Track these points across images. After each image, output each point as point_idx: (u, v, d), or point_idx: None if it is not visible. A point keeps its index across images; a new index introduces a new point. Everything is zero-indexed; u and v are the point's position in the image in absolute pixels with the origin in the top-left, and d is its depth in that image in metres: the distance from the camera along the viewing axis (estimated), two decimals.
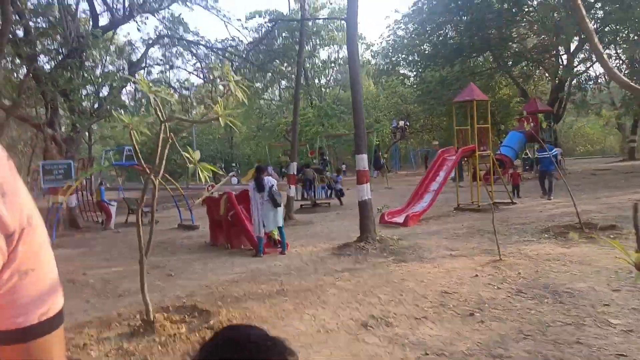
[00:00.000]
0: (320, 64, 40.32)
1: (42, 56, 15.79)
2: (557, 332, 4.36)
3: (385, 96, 40.54)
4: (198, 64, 21.54)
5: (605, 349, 3.94)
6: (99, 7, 16.80)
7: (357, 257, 8.14)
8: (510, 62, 27.55)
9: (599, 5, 21.64)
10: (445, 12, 25.35)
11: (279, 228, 9.03)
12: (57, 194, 13.34)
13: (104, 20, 17.09)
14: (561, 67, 25.35)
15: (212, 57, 21.55)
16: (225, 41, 22.11)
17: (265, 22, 30.01)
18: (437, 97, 28.58)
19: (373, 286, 6.28)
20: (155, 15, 18.64)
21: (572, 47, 24.71)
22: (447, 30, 27.44)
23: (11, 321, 0.72)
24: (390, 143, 35.06)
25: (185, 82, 22.30)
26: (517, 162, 19.69)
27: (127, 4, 16.55)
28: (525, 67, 29.17)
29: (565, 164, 22.96)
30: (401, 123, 31.91)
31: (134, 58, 20.37)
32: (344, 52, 39.41)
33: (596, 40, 3.27)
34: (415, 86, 32.71)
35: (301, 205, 16.67)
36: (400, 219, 11.90)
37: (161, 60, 21.39)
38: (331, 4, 36.49)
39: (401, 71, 32.92)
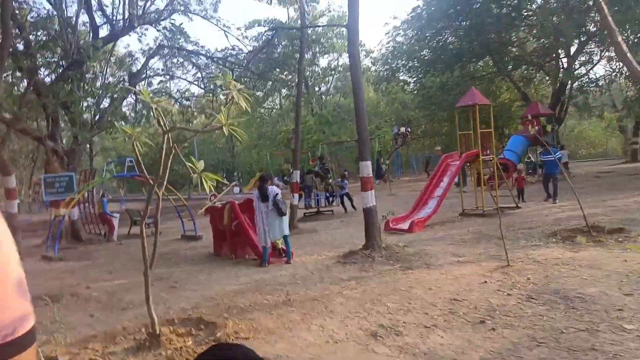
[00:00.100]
0: (320, 72, 40.41)
1: (42, 69, 15.80)
2: (571, 338, 4.27)
3: (386, 102, 40.58)
4: (198, 74, 21.56)
5: (621, 356, 3.86)
6: (98, 19, 16.84)
7: (363, 265, 8.06)
8: (511, 66, 27.54)
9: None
10: (444, 17, 25.37)
11: (285, 237, 8.96)
12: (59, 207, 13.30)
13: (104, 32, 17.13)
14: (562, 70, 25.33)
15: (213, 67, 21.55)
16: (226, 50, 22.13)
17: (265, 31, 30.09)
18: (437, 102, 28.56)
19: (381, 294, 6.19)
20: (155, 26, 18.67)
21: (572, 50, 24.72)
22: (446, 36, 27.44)
23: None
24: (392, 149, 35.01)
25: (186, 92, 22.31)
26: (520, 165, 19.59)
27: (126, 16, 16.57)
28: (525, 71, 29.16)
29: (570, 167, 22.87)
30: (402, 129, 31.87)
31: (134, 69, 20.39)
32: (343, 60, 39.53)
33: (620, 39, 3.22)
34: (415, 92, 32.71)
35: (305, 214, 16.60)
36: (405, 226, 11.82)
37: (162, 70, 21.41)
38: (330, 11, 36.63)
39: (401, 77, 32.92)
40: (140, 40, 43.52)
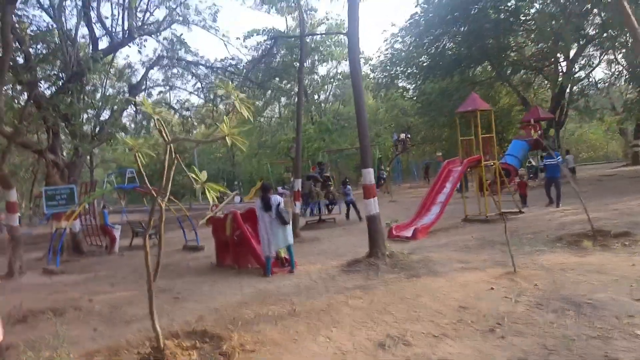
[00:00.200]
0: (319, 80, 40.47)
1: (42, 82, 15.78)
2: (583, 346, 4.20)
3: (386, 109, 40.63)
4: (198, 84, 21.57)
5: None
6: (98, 31, 16.86)
7: (368, 273, 7.97)
8: (509, 71, 27.58)
9: (595, 11, 21.68)
10: (442, 23, 25.43)
11: (288, 246, 8.89)
12: (61, 220, 13.23)
13: (103, 44, 17.15)
14: (561, 74, 25.36)
15: (212, 77, 21.56)
16: (225, 60, 22.15)
17: (264, 41, 30.15)
18: (437, 108, 28.59)
19: (387, 303, 6.11)
20: (154, 37, 18.69)
21: (572, 53, 24.75)
22: (444, 42, 27.50)
23: None
24: (392, 156, 35.00)
25: (186, 103, 22.29)
26: (521, 170, 19.54)
27: (126, 27, 16.59)
28: (524, 76, 29.21)
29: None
30: (402, 136, 31.88)
31: (134, 80, 20.41)
32: (342, 68, 39.60)
33: None
34: (415, 98, 32.74)
35: (307, 222, 16.53)
36: (408, 233, 11.75)
37: (162, 81, 21.43)
38: (328, 20, 36.68)
39: (400, 84, 33.00)
40: (140, 52, 43.65)
